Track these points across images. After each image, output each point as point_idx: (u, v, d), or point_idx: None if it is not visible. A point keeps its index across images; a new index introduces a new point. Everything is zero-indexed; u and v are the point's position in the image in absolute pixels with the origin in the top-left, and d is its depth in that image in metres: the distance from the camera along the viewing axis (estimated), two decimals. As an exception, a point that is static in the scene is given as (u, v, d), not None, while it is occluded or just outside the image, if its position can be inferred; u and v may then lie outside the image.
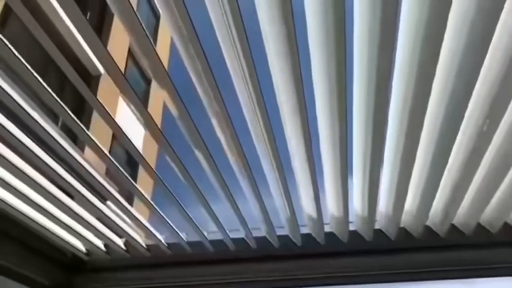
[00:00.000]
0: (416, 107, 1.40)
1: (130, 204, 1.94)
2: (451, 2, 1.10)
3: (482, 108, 1.40)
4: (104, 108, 1.38)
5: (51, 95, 1.28)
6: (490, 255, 2.14)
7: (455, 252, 2.16)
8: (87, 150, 1.63)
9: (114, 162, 1.61)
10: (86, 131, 1.46)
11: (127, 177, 1.71)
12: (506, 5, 1.10)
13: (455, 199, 1.89)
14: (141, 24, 1.15)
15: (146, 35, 1.17)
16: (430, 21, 1.15)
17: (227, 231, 2.15)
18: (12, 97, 1.26)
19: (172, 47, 1.27)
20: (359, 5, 1.18)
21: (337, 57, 1.23)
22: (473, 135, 1.51)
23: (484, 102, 1.38)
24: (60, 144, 1.49)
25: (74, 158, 1.56)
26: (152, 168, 1.67)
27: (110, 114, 1.41)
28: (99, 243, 2.23)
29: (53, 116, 1.60)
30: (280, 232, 2.20)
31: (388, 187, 1.86)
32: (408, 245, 2.19)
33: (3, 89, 1.23)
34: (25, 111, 1.31)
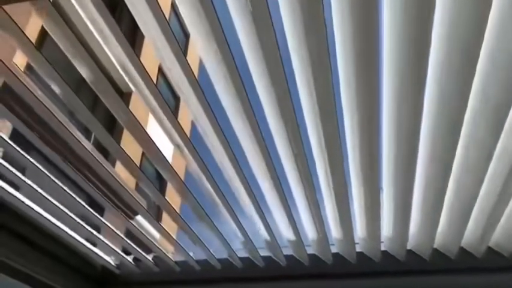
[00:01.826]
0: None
1: (159, 220, 1.96)
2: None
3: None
4: (137, 120, 1.40)
5: (87, 111, 1.32)
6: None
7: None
8: (118, 165, 1.66)
9: (146, 175, 1.63)
10: (119, 145, 1.49)
11: (157, 192, 1.72)
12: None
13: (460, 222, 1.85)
14: (176, 41, 1.17)
15: (180, 50, 1.19)
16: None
17: (257, 249, 2.13)
18: (51, 112, 1.30)
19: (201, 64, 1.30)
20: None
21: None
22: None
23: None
24: (93, 160, 1.52)
25: (105, 173, 1.58)
26: (182, 181, 1.68)
27: (142, 127, 1.43)
28: (129, 258, 2.25)
29: (85, 132, 1.65)
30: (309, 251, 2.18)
31: (393, 210, 1.83)
32: (417, 268, 2.12)
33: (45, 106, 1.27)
34: (64, 126, 1.35)
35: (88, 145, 1.49)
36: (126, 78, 1.28)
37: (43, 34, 5.88)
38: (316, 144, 1.51)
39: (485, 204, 1.74)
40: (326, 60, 1.18)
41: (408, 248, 2.09)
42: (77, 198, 1.70)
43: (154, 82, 1.29)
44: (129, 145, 1.58)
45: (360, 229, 1.99)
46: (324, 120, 1.38)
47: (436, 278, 2.10)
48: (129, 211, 2.07)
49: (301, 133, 1.44)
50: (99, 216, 1.85)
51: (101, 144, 1.52)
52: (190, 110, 1.40)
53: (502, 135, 1.38)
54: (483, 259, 2.03)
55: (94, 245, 2.13)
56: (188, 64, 1.24)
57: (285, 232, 2.03)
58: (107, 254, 2.21)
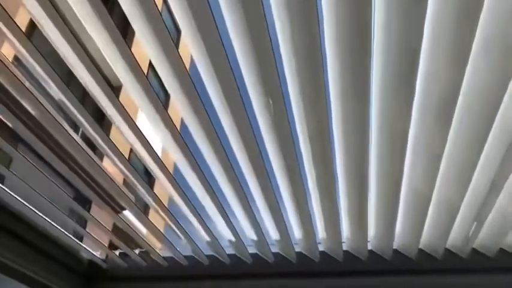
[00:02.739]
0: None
1: (146, 216, 1.95)
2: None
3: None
4: (128, 114, 1.39)
5: (77, 102, 1.30)
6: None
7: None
8: (106, 160, 1.65)
9: (135, 169, 1.62)
10: (109, 138, 1.48)
11: (146, 185, 1.71)
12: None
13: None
14: (170, 36, 1.16)
15: (173, 44, 1.18)
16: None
17: (245, 246, 2.14)
18: (41, 104, 1.29)
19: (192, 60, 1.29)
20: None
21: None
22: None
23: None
24: (82, 153, 1.51)
25: (93, 166, 1.57)
26: (172, 175, 1.67)
27: (132, 120, 1.42)
28: (117, 252, 2.23)
29: (73, 125, 1.63)
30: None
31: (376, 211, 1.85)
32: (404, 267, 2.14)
33: (32, 94, 1.26)
34: (53, 118, 1.34)
35: (76, 138, 1.48)
36: (117, 71, 1.27)
37: (32, 25, 5.80)
38: (302, 141, 1.51)
39: (471, 206, 1.76)
40: (318, 55, 1.19)
41: (394, 247, 2.11)
42: (65, 191, 1.68)
43: (145, 75, 1.28)
44: (118, 140, 1.57)
45: (347, 228, 2.00)
46: (313, 115, 1.38)
47: (421, 277, 2.11)
48: (117, 206, 2.05)
49: (291, 131, 1.44)
50: (86, 211, 1.84)
51: (89, 139, 1.50)
52: (181, 106, 1.39)
53: (490, 138, 1.40)
54: (468, 260, 2.06)
55: (81, 239, 2.11)
56: (180, 58, 1.23)
57: (272, 230, 2.04)
58: (94, 248, 2.19)
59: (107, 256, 2.30)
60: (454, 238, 2.00)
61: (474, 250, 2.07)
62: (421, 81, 1.26)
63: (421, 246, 2.09)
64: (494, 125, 1.35)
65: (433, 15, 1.12)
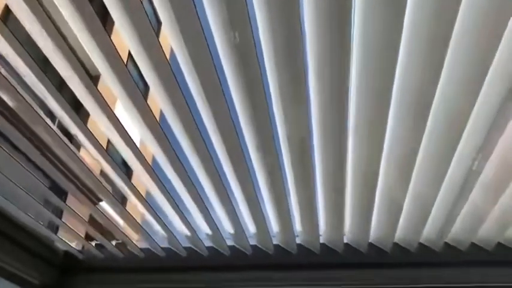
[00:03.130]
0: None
1: (124, 207, 1.93)
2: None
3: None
4: (106, 103, 1.37)
5: (54, 89, 1.28)
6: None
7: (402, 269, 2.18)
8: (82, 151, 1.62)
9: (113, 159, 1.60)
10: (86, 127, 1.46)
11: (124, 176, 1.70)
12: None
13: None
14: (151, 25, 1.14)
15: (154, 34, 1.17)
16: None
17: (224, 237, 2.14)
18: (16, 90, 1.26)
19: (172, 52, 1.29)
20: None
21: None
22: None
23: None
24: (58, 142, 1.48)
25: (70, 156, 1.55)
26: (151, 166, 1.66)
27: (111, 110, 1.40)
28: (93, 243, 2.21)
29: (49, 114, 1.60)
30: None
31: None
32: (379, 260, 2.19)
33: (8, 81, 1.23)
34: (29, 105, 1.31)
35: (53, 127, 1.45)
36: (95, 60, 1.25)
37: (7, 11, 5.64)
38: (282, 136, 1.52)
39: (445, 202, 1.80)
40: (299, 47, 1.19)
41: (370, 241, 2.15)
42: (41, 181, 1.65)
43: (125, 65, 1.27)
44: (96, 130, 1.54)
45: (323, 222, 2.03)
46: (293, 109, 1.39)
47: (396, 270, 2.16)
48: (94, 197, 2.03)
49: (271, 125, 1.45)
50: (62, 201, 1.81)
51: (65, 129, 1.48)
52: (160, 97, 1.38)
53: (464, 134, 1.43)
54: (441, 253, 2.12)
55: (56, 230, 2.08)
56: (161, 49, 1.22)
57: (250, 223, 2.05)
58: (70, 239, 2.16)
59: (83, 247, 2.28)
60: (428, 232, 2.05)
61: (447, 244, 2.12)
62: (399, 76, 1.28)
63: (396, 240, 2.14)
64: (470, 121, 1.38)
65: (412, 9, 1.14)
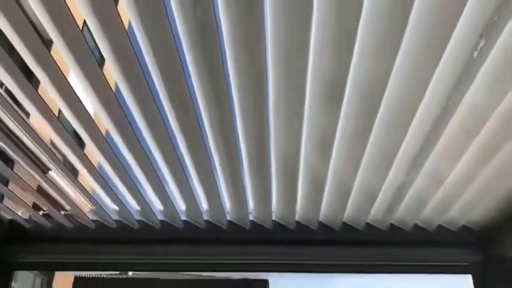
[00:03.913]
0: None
1: (75, 177, 1.89)
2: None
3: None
4: (60, 69, 1.32)
5: (3, 51, 1.21)
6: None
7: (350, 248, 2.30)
8: (32, 118, 1.57)
9: (65, 128, 1.55)
10: (38, 93, 1.40)
11: (76, 146, 1.65)
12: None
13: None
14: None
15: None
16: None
17: (177, 212, 2.15)
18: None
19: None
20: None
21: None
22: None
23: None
24: (6, 107, 1.42)
25: (19, 122, 1.49)
26: (104, 137, 1.62)
27: (64, 77, 1.35)
28: (40, 213, 2.16)
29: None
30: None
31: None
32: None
33: None
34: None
35: (1, 91, 1.39)
36: (47, 25, 1.19)
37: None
38: (240, 115, 1.53)
39: (390, 185, 1.90)
40: (261, 40, 1.19)
41: (320, 219, 2.23)
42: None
43: (81, 30, 1.22)
44: (46, 98, 1.48)
45: (276, 199, 2.08)
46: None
47: (344, 248, 2.29)
48: (43, 165, 1.96)
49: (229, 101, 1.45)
50: (9, 168, 1.75)
51: (13, 95, 1.41)
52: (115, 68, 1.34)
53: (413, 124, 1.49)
54: (387, 233, 2.26)
55: (2, 198, 2.01)
56: (119, 17, 1.18)
57: (204, 199, 2.08)
58: (16, 208, 2.10)
59: (29, 217, 2.21)
60: (375, 213, 2.16)
61: (392, 225, 2.25)
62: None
63: (344, 219, 2.24)
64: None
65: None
